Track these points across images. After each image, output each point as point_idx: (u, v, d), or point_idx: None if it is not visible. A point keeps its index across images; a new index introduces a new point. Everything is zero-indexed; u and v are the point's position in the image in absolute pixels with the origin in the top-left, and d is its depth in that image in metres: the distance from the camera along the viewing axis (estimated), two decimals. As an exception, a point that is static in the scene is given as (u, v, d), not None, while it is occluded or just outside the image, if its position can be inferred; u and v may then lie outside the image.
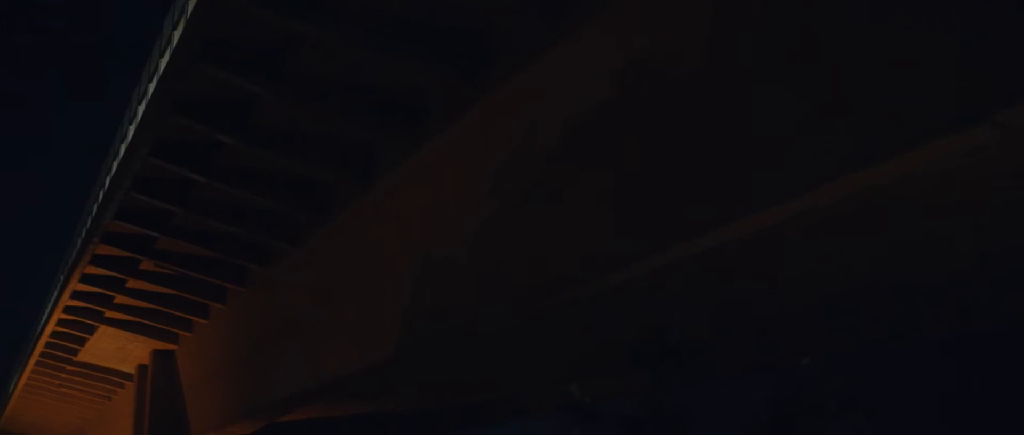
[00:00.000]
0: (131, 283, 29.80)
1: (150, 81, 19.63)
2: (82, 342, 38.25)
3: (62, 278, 32.92)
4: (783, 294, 16.37)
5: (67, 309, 34.05)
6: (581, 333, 18.86)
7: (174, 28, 17.95)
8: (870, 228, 13.03)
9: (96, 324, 35.03)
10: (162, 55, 18.67)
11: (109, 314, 33.38)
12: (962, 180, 11.22)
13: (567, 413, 12.37)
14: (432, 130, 17.26)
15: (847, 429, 10.94)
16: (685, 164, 11.89)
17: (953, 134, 8.74)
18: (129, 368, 39.14)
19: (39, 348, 40.93)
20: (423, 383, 26.94)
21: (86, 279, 30.19)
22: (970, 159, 9.70)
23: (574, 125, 13.87)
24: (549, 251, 14.57)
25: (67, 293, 31.98)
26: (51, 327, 37.10)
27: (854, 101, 9.64)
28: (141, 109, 20.33)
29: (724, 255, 12.93)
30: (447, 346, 19.33)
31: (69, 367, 42.39)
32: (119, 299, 31.51)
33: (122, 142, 22.66)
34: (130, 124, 21.75)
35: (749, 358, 21.43)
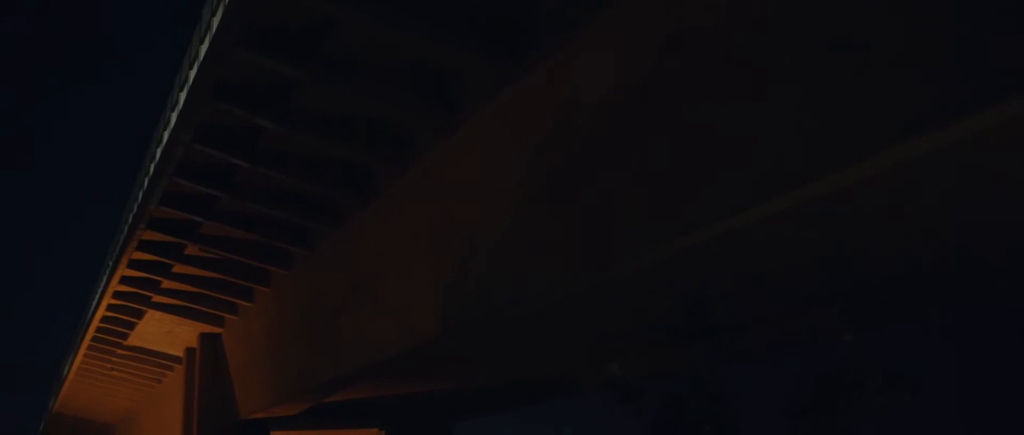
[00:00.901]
0: (177, 268, 30.20)
1: (190, 68, 19.81)
2: (131, 326, 38.86)
3: (111, 263, 33.44)
4: (822, 271, 16.22)
5: (116, 294, 34.59)
6: (621, 312, 18.85)
7: (213, 15, 18.08)
8: (907, 204, 12.86)
9: (144, 308, 35.56)
10: (202, 42, 18.82)
11: (156, 298, 33.87)
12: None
13: (609, 391, 12.40)
14: (469, 111, 17.27)
15: (890, 404, 10.86)
16: (719, 142, 11.80)
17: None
18: (177, 351, 39.71)
19: (90, 333, 41.65)
20: (466, 363, 27.11)
21: (134, 264, 30.64)
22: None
23: (609, 104, 13.81)
24: (587, 230, 14.55)
25: (116, 278, 32.48)
26: (101, 312, 37.73)
27: (888, 79, 9.51)
28: (182, 96, 20.53)
29: (761, 232, 12.84)
30: (490, 326, 19.41)
31: (119, 351, 43.12)
32: (166, 283, 31.95)
33: (164, 129, 22.91)
34: (172, 111, 21.98)
35: (790, 334, 21.28)
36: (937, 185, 12.31)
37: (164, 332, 38.03)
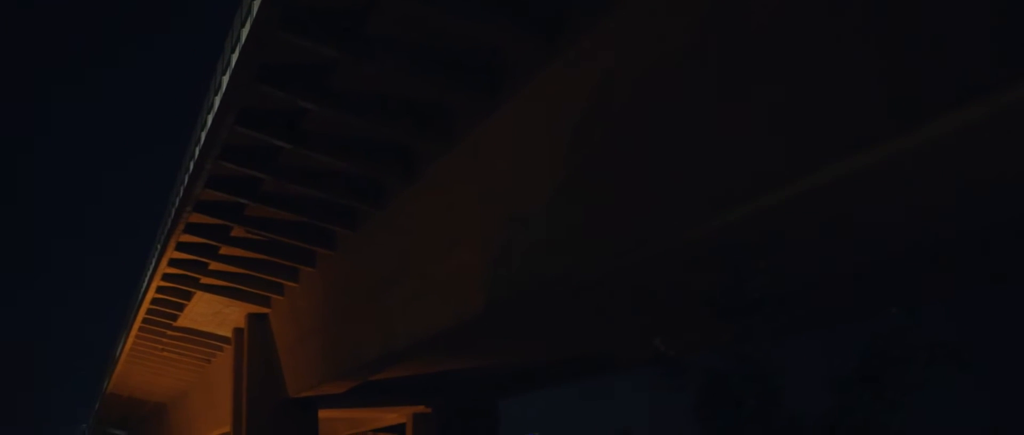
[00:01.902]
0: (224, 249, 30.57)
1: (233, 51, 19.97)
2: (180, 308, 39.44)
3: (159, 246, 33.93)
4: (866, 243, 16.06)
5: (165, 276, 35.10)
6: (665, 287, 18.82)
7: (254, -2, 18.22)
8: (954, 174, 12.69)
9: (193, 290, 36.06)
10: (243, 25, 18.97)
11: (205, 280, 34.32)
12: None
13: (653, 366, 12.42)
14: (510, 90, 17.26)
15: (938, 377, 10.77)
16: (762, 117, 11.71)
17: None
18: (226, 332, 40.24)
19: (141, 314, 42.33)
20: (511, 340, 27.21)
21: (182, 247, 31.05)
22: None
23: (650, 79, 13.75)
24: (630, 205, 14.54)
25: (165, 261, 32.95)
26: (151, 294, 38.31)
27: (934, 51, 9.38)
28: (225, 79, 20.72)
29: (806, 206, 12.75)
30: (534, 303, 19.48)
31: (170, 332, 43.79)
32: (213, 265, 32.36)
33: (208, 112, 23.14)
34: (215, 94, 22.19)
35: (835, 309, 21.11)
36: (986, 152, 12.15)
37: (213, 313, 38.54)
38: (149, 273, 37.39)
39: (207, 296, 36.10)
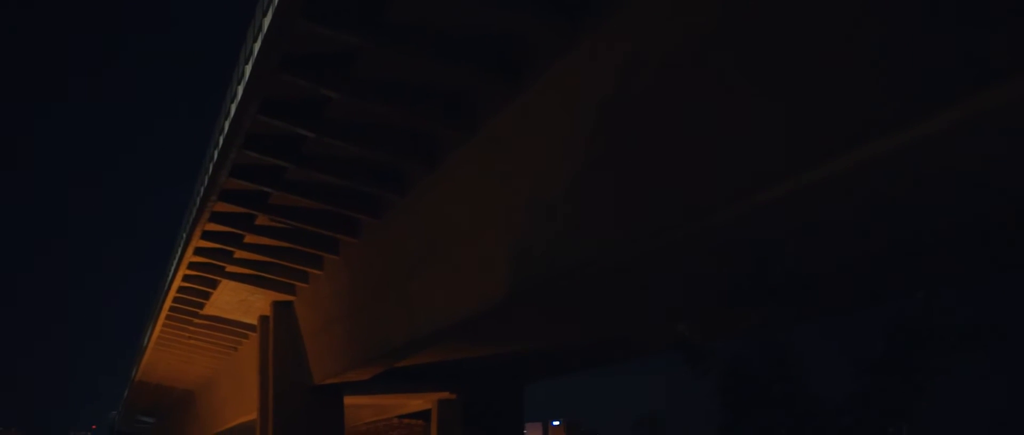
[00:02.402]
0: (248, 238, 30.77)
1: (255, 41, 20.06)
2: (206, 296, 39.74)
3: (185, 235, 34.18)
4: (891, 227, 15.95)
5: (191, 265, 35.37)
6: (689, 273, 18.79)
7: (275, -13, 18.26)
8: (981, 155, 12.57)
9: (218, 278, 36.33)
10: (265, 14, 19.04)
11: (230, 268, 34.57)
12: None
13: (676, 352, 12.42)
14: (533, 76, 17.24)
15: (964, 361, 10.70)
16: (786, 99, 11.64)
17: None
18: (251, 319, 40.53)
19: (168, 303, 42.71)
20: (535, 326, 27.25)
21: (207, 236, 31.27)
22: None
23: (673, 63, 13.70)
24: (652, 192, 14.51)
25: (190, 250, 33.21)
26: (177, 283, 38.63)
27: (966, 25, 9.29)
28: (248, 68, 20.82)
29: (830, 189, 12.67)
30: (558, 290, 19.50)
31: (196, 320, 44.16)
32: (238, 254, 32.58)
33: (231, 101, 23.26)
34: (238, 83, 22.29)
35: (858, 292, 20.99)
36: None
37: (238, 301, 38.82)
38: (175, 262, 37.69)
39: (233, 284, 36.37)
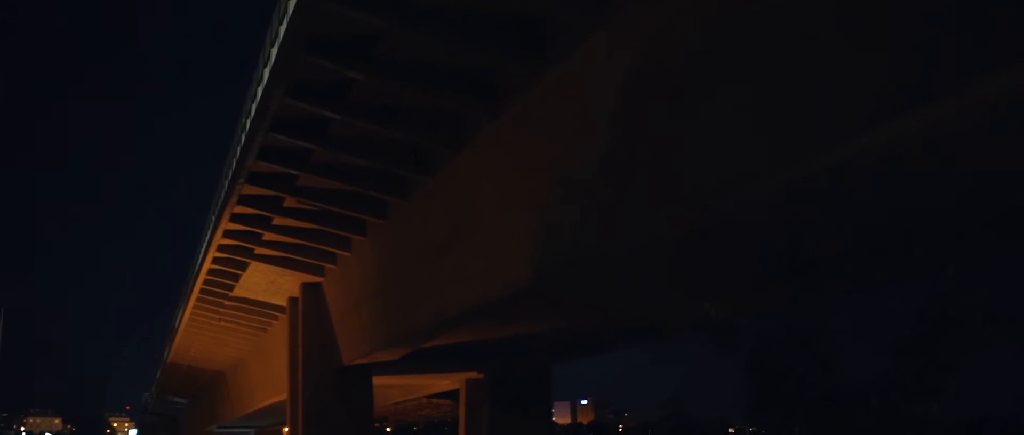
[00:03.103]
0: (277, 220, 30.94)
1: (280, 23, 20.10)
2: (236, 278, 40.03)
3: (214, 218, 34.40)
4: (924, 203, 15.79)
5: (220, 247, 35.62)
6: (716, 252, 18.70)
7: (301, -30, 18.28)
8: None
9: (247, 261, 36.57)
10: (290, -3, 19.07)
11: (259, 251, 34.78)
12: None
13: (703, 332, 12.39)
14: (558, 56, 17.19)
15: (993, 341, 10.60)
16: (826, 70, 11.54)
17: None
18: (281, 301, 40.80)
19: (198, 286, 43.05)
20: (562, 306, 27.26)
21: (236, 218, 31.47)
22: None
23: (699, 43, 13.60)
24: (680, 170, 14.44)
25: (219, 232, 33.43)
26: (207, 265, 38.92)
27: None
28: (274, 51, 20.87)
29: (865, 163, 12.56)
30: (584, 271, 19.47)
31: (226, 302, 44.51)
32: (267, 236, 32.77)
33: (258, 85, 23.34)
34: (264, 66, 22.36)
35: (889, 270, 20.82)
36: None
37: (267, 283, 39.08)
38: (205, 245, 37.95)
39: (261, 266, 36.60)
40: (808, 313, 11.26)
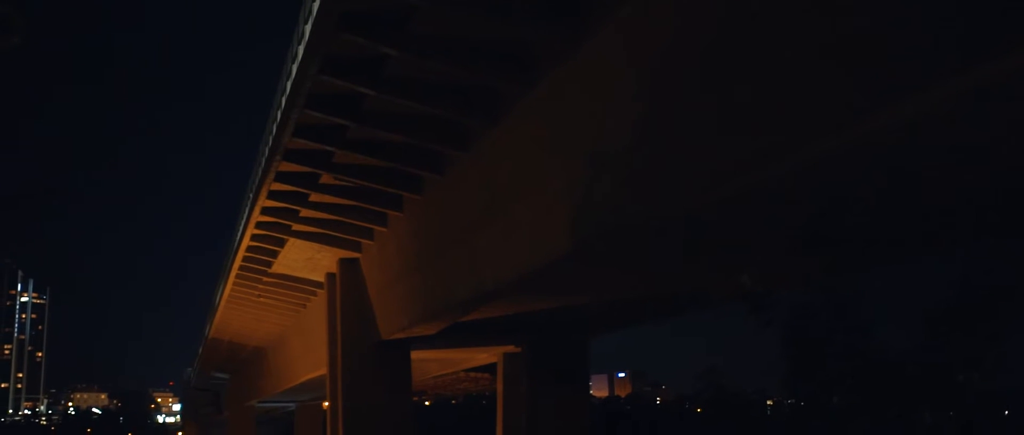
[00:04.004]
0: (313, 197, 31.15)
1: (314, 0, 20.15)
2: (274, 255, 40.39)
3: (251, 196, 34.69)
4: (961, 174, 15.59)
5: (259, 225, 35.94)
6: (753, 222, 18.60)
7: (332, -54, 18.31)
8: None
9: (285, 237, 36.87)
10: (323, -27, 19.10)
11: (296, 227, 35.06)
12: None
13: (739, 303, 12.36)
14: (593, 26, 17.11)
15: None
16: (861, 39, 11.40)
17: None
18: (319, 277, 41.13)
19: (237, 262, 43.50)
20: (598, 280, 27.27)
21: (273, 195, 31.72)
22: None
23: (733, 13, 13.48)
24: (717, 140, 14.35)
25: (257, 209, 33.72)
26: (246, 242, 39.30)
27: None
28: (307, 28, 20.94)
29: (901, 133, 12.42)
30: (619, 243, 19.47)
31: (265, 279, 44.95)
32: (304, 212, 33.01)
33: (293, 62, 23.45)
34: (298, 44, 22.45)
35: (927, 241, 20.58)
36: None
37: (305, 259, 39.39)
38: (243, 222, 38.31)
39: (300, 243, 36.90)
40: (844, 284, 11.20)
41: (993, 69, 9.84)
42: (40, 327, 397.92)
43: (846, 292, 11.12)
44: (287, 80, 24.51)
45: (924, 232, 19.61)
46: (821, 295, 11.29)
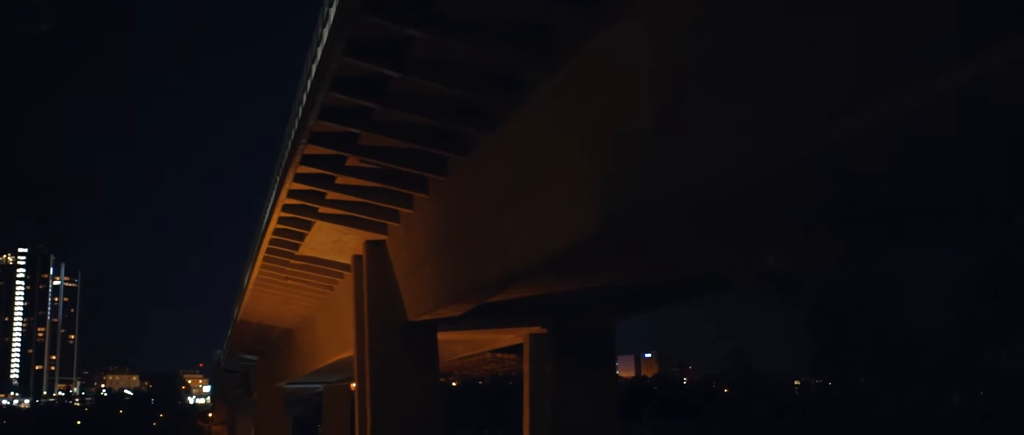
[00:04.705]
0: (339, 179, 31.26)
1: (338, -17, 20.18)
2: (301, 237, 40.61)
3: (278, 179, 34.87)
4: (992, 152, 15.42)
5: (285, 208, 36.12)
6: (780, 201, 18.52)
7: (356, -72, 18.30)
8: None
9: (312, 220, 37.05)
10: (347, -44, 19.11)
11: (323, 210, 35.21)
12: None
13: (765, 284, 12.33)
14: (616, 8, 17.03)
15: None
16: (889, 16, 11.30)
17: None
18: (345, 259, 41.31)
19: (264, 245, 43.77)
20: (625, 259, 27.27)
21: (299, 178, 31.86)
22: None
23: (759, -11, 13.38)
24: (742, 121, 14.28)
25: (284, 192, 33.88)
26: (273, 225, 39.51)
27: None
28: (332, 11, 20.99)
29: (930, 111, 12.31)
30: (648, 221, 19.44)
31: (292, 261, 45.21)
32: (330, 195, 33.15)
33: (318, 45, 23.51)
34: (323, 26, 22.50)
35: (955, 219, 20.41)
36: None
37: (332, 241, 39.58)
38: (270, 205, 38.51)
39: (326, 225, 37.06)
40: (871, 264, 11.13)
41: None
42: (72, 310, 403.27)
43: (875, 272, 11.05)
44: (312, 63, 24.58)
45: (953, 212, 19.48)
46: (849, 275, 11.22)
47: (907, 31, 10.91)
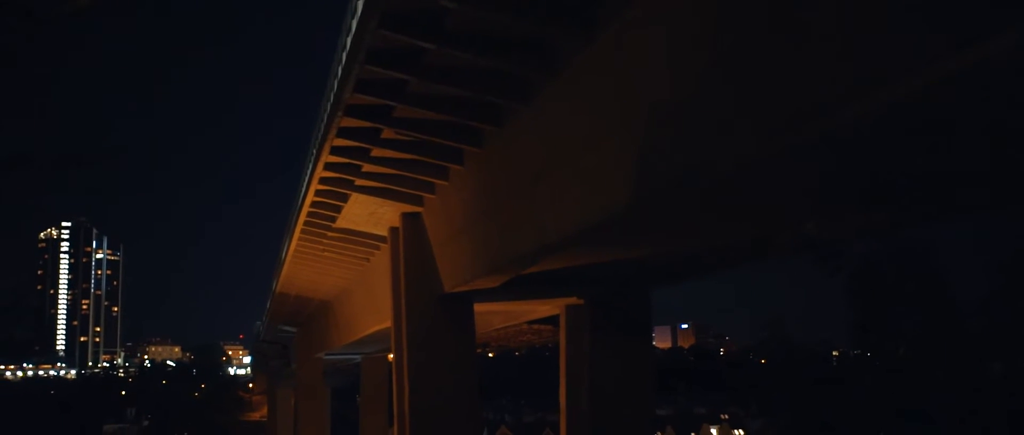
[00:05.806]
0: (375, 151, 31.37)
1: (373, -45, 20.16)
2: (338, 209, 40.86)
3: (314, 152, 35.05)
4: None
5: (322, 180, 36.32)
6: (817, 173, 18.34)
7: (390, -101, 18.24)
8: None
9: (348, 192, 37.25)
10: (381, -72, 19.07)
11: (359, 182, 35.38)
12: None
13: (805, 253, 12.21)
14: (650, -25, 16.89)
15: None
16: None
17: None
18: (382, 231, 41.53)
19: (302, 217, 44.10)
20: (661, 231, 27.18)
21: (335, 151, 32.01)
22: None
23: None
24: (781, 90, 14.14)
25: (320, 165, 34.07)
26: (310, 197, 39.78)
27: None
28: (367, -17, 20.98)
29: (963, 82, 12.11)
30: (684, 193, 19.35)
31: (329, 233, 45.53)
32: (366, 167, 33.29)
33: (352, 17, 23.52)
34: (358, -1, 22.51)
35: (998, 191, 20.12)
36: None
37: (368, 214, 39.78)
38: (306, 178, 38.74)
39: (362, 197, 37.24)
40: (913, 234, 11.00)
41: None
42: (115, 283, 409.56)
43: (920, 242, 10.95)
44: (347, 36, 24.61)
45: (996, 184, 19.19)
46: (890, 245, 11.13)
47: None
